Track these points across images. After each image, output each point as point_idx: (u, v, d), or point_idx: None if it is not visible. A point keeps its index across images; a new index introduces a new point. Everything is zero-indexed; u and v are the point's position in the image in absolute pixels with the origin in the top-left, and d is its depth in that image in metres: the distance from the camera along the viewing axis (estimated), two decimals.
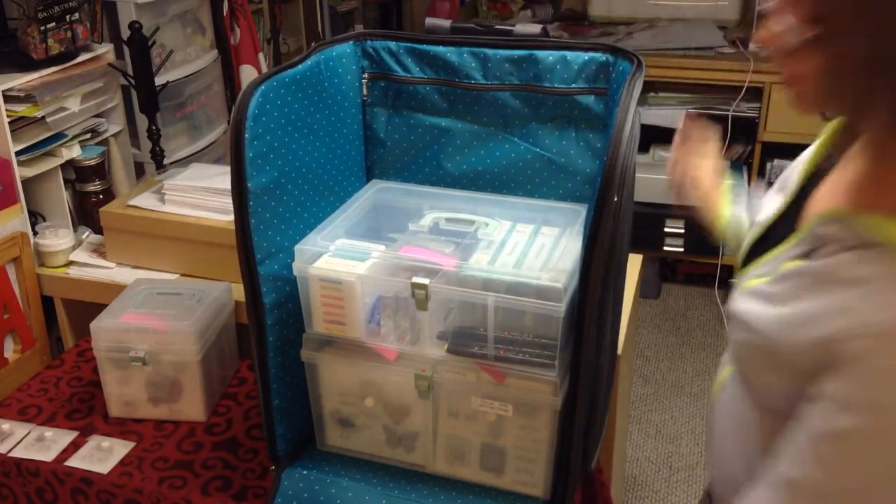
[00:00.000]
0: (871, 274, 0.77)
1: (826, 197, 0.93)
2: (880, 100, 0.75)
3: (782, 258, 0.92)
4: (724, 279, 3.17)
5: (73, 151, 1.96)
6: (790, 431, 0.81)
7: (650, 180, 3.17)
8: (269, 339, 1.21)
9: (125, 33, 2.07)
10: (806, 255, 0.88)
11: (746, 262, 1.01)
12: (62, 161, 1.94)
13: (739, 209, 1.26)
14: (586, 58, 1.29)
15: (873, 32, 0.72)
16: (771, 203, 1.04)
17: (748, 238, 1.04)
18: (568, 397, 1.10)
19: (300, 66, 1.22)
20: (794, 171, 1.03)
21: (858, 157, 0.88)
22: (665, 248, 3.26)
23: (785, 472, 0.80)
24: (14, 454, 1.45)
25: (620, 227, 1.05)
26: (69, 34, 1.93)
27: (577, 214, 1.28)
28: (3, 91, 1.76)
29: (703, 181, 1.29)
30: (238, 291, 1.29)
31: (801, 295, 0.84)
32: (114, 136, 2.12)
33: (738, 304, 0.94)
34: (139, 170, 2.32)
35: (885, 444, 0.73)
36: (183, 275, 1.82)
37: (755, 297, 0.92)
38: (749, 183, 3.08)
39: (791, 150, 3.43)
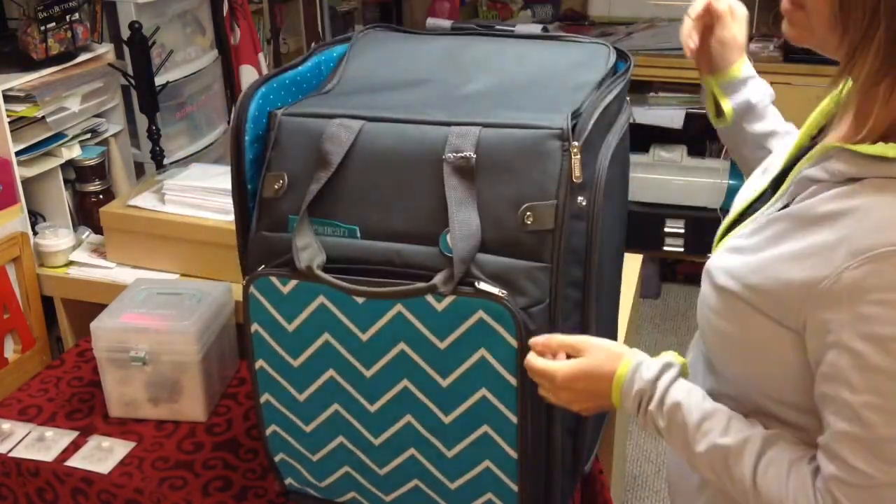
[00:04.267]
0: (850, 206, 0.79)
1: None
2: (874, 43, 0.76)
3: (761, 217, 0.93)
4: None
5: (73, 151, 1.96)
6: (826, 385, 0.82)
7: (650, 180, 3.17)
8: None
9: (125, 33, 2.07)
10: (784, 208, 0.89)
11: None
12: (62, 161, 1.93)
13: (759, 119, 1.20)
14: None
15: None
16: (752, 185, 1.05)
17: (725, 221, 1.04)
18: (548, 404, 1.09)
19: (300, 67, 1.22)
20: (779, 155, 1.04)
21: (838, 119, 0.89)
22: (665, 248, 3.26)
23: (849, 405, 0.80)
24: (14, 454, 1.45)
25: (598, 226, 1.04)
26: (69, 34, 1.93)
27: None
28: (3, 91, 1.76)
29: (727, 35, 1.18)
30: (238, 291, 1.29)
31: (780, 239, 0.85)
32: (114, 136, 2.12)
33: (712, 262, 0.95)
34: (139, 170, 2.32)
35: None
36: (183, 275, 1.82)
37: (729, 251, 0.93)
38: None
39: None
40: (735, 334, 0.90)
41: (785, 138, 1.17)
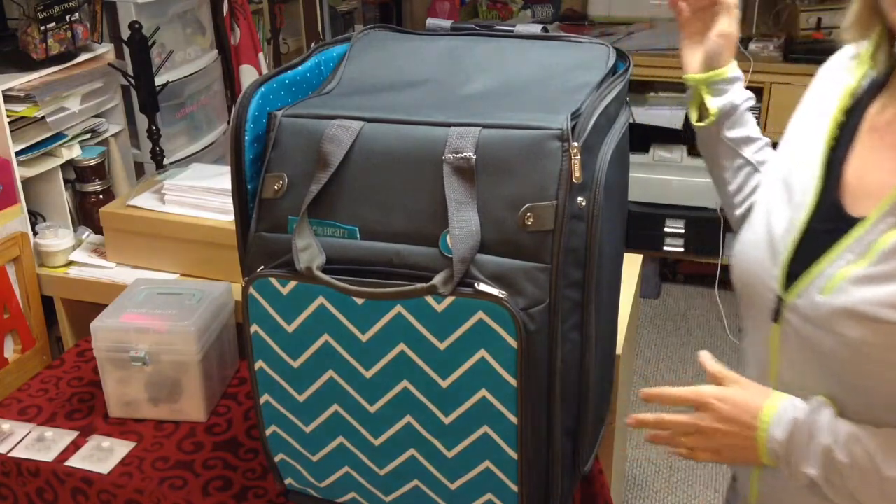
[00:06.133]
0: None
1: (884, 161, 0.93)
2: None
3: (870, 237, 0.90)
4: (724, 279, 3.17)
5: (73, 151, 1.96)
6: None
7: (650, 180, 3.18)
8: None
9: (125, 33, 2.07)
10: None
11: (794, 274, 0.97)
12: (62, 161, 1.94)
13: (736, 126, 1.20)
14: None
15: None
16: (783, 211, 1.02)
17: (782, 249, 1.00)
18: (549, 402, 1.09)
19: (300, 66, 1.22)
20: (802, 171, 1.02)
21: None
22: (665, 248, 3.26)
23: None
24: (14, 454, 1.46)
25: (597, 227, 1.04)
26: (69, 34, 1.93)
27: None
28: (3, 91, 1.77)
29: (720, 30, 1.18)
30: (238, 291, 1.30)
31: None
32: (114, 136, 2.12)
33: (843, 300, 0.90)
34: (139, 170, 2.32)
35: None
36: (183, 275, 1.82)
37: (863, 284, 0.89)
38: None
39: None
40: None
41: (759, 145, 1.20)
